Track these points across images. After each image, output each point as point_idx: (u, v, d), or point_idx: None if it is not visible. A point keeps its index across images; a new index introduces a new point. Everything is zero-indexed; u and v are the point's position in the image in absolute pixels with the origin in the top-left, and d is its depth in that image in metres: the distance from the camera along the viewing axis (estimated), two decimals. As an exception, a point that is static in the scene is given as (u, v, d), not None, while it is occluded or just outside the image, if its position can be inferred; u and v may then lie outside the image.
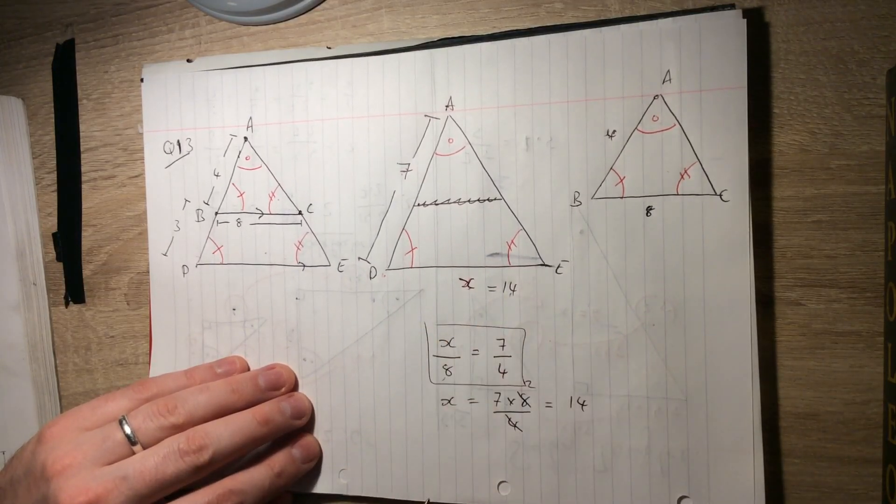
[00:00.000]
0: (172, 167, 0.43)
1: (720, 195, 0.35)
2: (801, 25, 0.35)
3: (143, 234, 0.45)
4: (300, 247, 0.41)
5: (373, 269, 0.40)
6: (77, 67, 0.47)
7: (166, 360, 0.44)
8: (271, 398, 0.39)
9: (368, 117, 0.40)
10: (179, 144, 0.43)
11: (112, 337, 0.46)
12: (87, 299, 0.47)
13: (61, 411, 0.47)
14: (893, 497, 0.32)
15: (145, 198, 0.44)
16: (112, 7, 0.46)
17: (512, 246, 0.38)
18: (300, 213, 0.41)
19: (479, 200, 0.38)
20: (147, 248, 0.44)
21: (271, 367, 0.41)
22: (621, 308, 0.36)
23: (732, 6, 0.34)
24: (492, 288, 0.38)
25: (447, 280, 0.39)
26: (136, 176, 0.45)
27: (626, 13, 0.37)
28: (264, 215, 0.42)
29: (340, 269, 0.40)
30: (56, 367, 0.47)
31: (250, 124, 0.42)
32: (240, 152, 0.42)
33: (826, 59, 0.35)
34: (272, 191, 0.42)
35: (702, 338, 0.35)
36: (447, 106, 0.39)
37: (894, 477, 0.32)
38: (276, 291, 0.42)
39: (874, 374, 0.34)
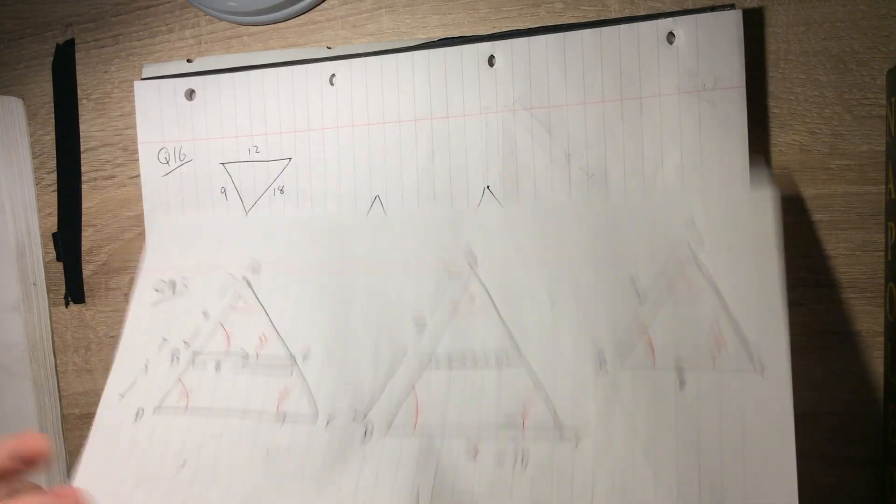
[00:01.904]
0: (158, 306, 0.41)
1: (760, 371, 0.31)
2: (800, 25, 0.35)
3: (142, 234, 0.45)
4: (285, 396, 0.36)
5: (369, 430, 0.35)
6: (77, 67, 0.47)
7: None
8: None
9: (384, 272, 0.37)
10: (174, 285, 0.41)
11: (112, 337, 0.46)
12: (87, 299, 0.47)
13: (61, 411, 0.47)
14: (893, 497, 0.32)
15: (144, 199, 0.44)
16: (112, 7, 0.46)
17: (527, 416, 0.33)
18: (294, 359, 0.37)
19: (496, 365, 0.35)
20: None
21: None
22: (650, 489, 0.31)
23: (732, 6, 0.34)
24: (501, 462, 0.33)
25: (451, 449, 0.34)
26: (135, 176, 0.45)
27: (626, 13, 0.37)
28: (250, 359, 0.38)
29: (329, 426, 0.35)
30: (56, 367, 0.47)
31: (255, 266, 0.40)
32: (237, 293, 0.39)
33: (826, 59, 0.35)
34: (264, 334, 0.38)
35: None
36: (470, 263, 0.36)
37: (894, 477, 0.32)
38: (244, 444, 0.36)
39: (874, 374, 0.34)
